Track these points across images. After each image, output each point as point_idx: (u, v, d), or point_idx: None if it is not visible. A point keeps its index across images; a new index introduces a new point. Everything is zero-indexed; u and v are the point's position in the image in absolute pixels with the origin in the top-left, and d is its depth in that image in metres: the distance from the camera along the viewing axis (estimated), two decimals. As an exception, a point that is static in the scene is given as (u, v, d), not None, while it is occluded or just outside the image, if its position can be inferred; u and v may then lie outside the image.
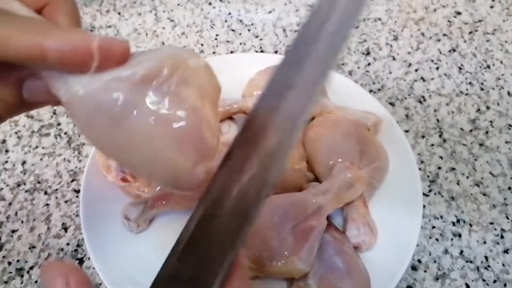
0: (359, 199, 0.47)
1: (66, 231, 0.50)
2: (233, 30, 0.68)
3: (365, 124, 0.52)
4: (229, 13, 0.70)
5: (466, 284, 0.47)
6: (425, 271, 0.48)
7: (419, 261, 0.48)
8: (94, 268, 0.46)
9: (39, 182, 0.53)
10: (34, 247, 0.49)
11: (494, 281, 0.47)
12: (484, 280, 0.47)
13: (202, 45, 0.66)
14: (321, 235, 0.45)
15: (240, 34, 0.68)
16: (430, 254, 0.49)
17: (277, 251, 0.43)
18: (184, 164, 0.25)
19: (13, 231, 0.50)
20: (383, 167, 0.51)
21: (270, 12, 0.71)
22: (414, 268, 0.48)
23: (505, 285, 0.47)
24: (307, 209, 0.45)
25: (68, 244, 0.49)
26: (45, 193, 0.52)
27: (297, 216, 0.45)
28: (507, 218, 0.51)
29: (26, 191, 0.52)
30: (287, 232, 0.44)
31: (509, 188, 0.53)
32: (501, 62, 0.65)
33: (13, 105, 0.25)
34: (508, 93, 0.61)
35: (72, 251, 0.49)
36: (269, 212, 0.45)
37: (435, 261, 0.48)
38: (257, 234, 0.44)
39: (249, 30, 0.68)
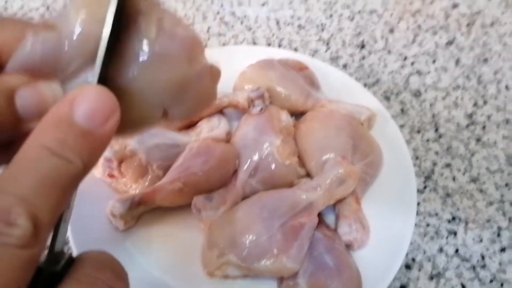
0: (351, 196, 0.46)
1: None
2: (225, 23, 0.67)
3: (359, 118, 0.51)
4: (222, 5, 0.69)
5: (462, 284, 0.46)
6: (419, 270, 0.46)
7: (413, 259, 0.47)
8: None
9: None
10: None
11: (491, 281, 0.46)
12: (480, 280, 0.46)
13: (193, 37, 0.65)
14: (311, 233, 0.44)
15: (232, 26, 0.66)
16: (424, 253, 0.47)
17: (266, 249, 0.42)
18: (186, 67, 0.24)
19: None
20: (377, 162, 0.49)
21: (263, 4, 0.69)
22: (408, 266, 0.47)
23: (501, 285, 0.46)
24: (297, 205, 0.44)
25: (53, 241, 0.48)
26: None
27: (286, 213, 0.43)
28: (504, 215, 0.50)
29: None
30: (276, 229, 0.42)
31: (506, 185, 0.52)
32: (499, 55, 0.63)
33: (5, 114, 0.21)
34: (506, 87, 0.60)
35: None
36: (258, 209, 0.44)
37: (429, 260, 0.47)
38: (246, 231, 0.42)
39: (241, 22, 0.67)
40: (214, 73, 0.27)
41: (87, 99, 0.19)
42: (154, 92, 0.23)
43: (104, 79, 0.21)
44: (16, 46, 0.22)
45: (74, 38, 0.21)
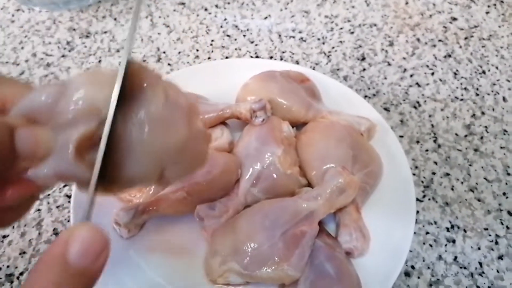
0: (351, 205, 0.47)
1: (57, 237, 0.49)
2: (228, 36, 0.68)
3: (359, 129, 0.52)
4: (225, 19, 0.70)
5: (460, 291, 0.47)
6: (418, 278, 0.47)
7: (413, 267, 0.48)
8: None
9: (31, 187, 0.53)
10: (24, 252, 0.48)
11: (489, 288, 0.47)
12: (478, 287, 0.47)
13: (197, 50, 0.66)
14: (312, 241, 0.44)
15: (235, 39, 0.68)
16: (423, 260, 0.48)
17: (267, 257, 0.42)
18: (186, 131, 0.28)
19: (4, 237, 0.49)
20: (377, 172, 0.50)
21: (265, 18, 0.71)
22: (407, 274, 0.47)
23: (499, 292, 0.47)
24: (299, 214, 0.45)
25: (59, 249, 0.49)
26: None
27: (288, 222, 0.44)
28: (502, 224, 0.51)
29: (18, 196, 0.52)
30: (278, 238, 0.43)
31: (504, 194, 0.53)
32: (497, 68, 0.64)
33: (5, 148, 0.24)
34: (504, 98, 0.61)
35: (63, 256, 0.48)
36: (260, 217, 0.45)
37: (428, 267, 0.48)
38: (248, 239, 0.43)
39: (244, 35, 0.68)
40: (206, 136, 0.31)
41: (79, 238, 0.22)
42: (158, 152, 0.26)
43: (109, 141, 0.24)
44: (17, 101, 0.25)
45: (76, 101, 0.25)
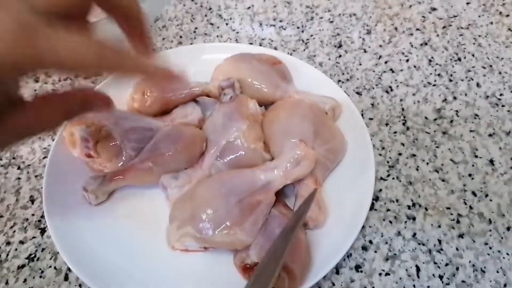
0: (309, 177, 0.48)
1: (33, 203, 0.52)
2: (211, 24, 0.71)
3: (323, 108, 0.53)
4: (210, 8, 0.73)
5: (417, 266, 0.47)
6: (375, 252, 0.48)
7: (371, 242, 0.49)
8: (53, 237, 0.48)
9: (14, 158, 0.56)
10: (1, 216, 0.51)
11: (446, 264, 0.47)
12: (435, 263, 0.47)
13: (180, 37, 0.69)
14: (267, 210, 0.46)
15: (218, 27, 0.70)
16: (382, 236, 0.49)
17: (221, 221, 0.44)
18: None
19: (-17, 202, 0.53)
20: (337, 149, 0.51)
21: (249, 7, 0.73)
22: (364, 248, 0.48)
23: (457, 268, 0.47)
24: (256, 184, 0.46)
25: (33, 215, 0.51)
26: (18, 168, 0.55)
27: (245, 191, 0.46)
28: (465, 203, 0.51)
29: (1, 165, 0.55)
30: (234, 205, 0.45)
31: (469, 175, 0.53)
32: (473, 55, 0.65)
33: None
34: (477, 84, 0.61)
35: (36, 221, 0.51)
36: (218, 185, 0.46)
37: (386, 243, 0.48)
38: (204, 205, 0.45)
39: (227, 24, 0.70)
40: None
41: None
42: None
43: None
44: None
45: None
